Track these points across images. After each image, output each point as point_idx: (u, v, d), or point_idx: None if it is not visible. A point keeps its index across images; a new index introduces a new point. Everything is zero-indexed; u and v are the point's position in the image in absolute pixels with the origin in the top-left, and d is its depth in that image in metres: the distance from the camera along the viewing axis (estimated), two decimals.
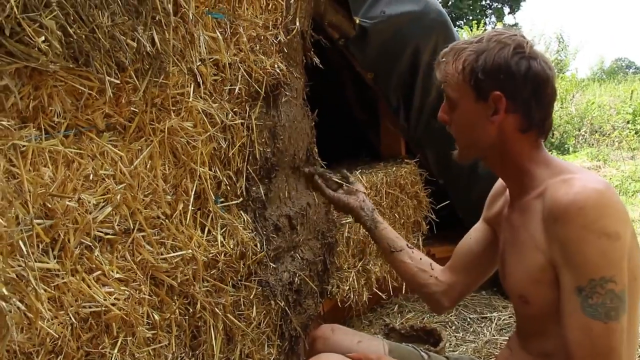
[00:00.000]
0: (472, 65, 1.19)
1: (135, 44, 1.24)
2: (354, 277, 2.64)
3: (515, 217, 1.27)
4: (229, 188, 1.72)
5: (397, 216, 2.89)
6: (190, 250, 1.47)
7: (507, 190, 1.35)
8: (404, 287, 2.93)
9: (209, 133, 1.54)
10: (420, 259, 1.55)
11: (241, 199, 1.78)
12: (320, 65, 2.39)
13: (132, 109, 1.31)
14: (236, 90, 1.67)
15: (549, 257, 1.14)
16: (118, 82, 1.22)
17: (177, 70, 1.44)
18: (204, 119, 1.50)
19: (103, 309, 1.21)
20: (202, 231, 1.62)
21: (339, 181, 1.86)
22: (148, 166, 1.39)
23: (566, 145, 9.23)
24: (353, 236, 2.59)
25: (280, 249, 1.99)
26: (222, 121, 1.59)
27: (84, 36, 1.12)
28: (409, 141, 3.13)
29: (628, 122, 9.53)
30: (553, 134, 9.33)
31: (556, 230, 1.10)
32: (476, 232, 1.51)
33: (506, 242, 1.31)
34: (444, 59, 1.26)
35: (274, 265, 1.95)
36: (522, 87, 1.17)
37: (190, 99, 1.47)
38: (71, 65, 1.13)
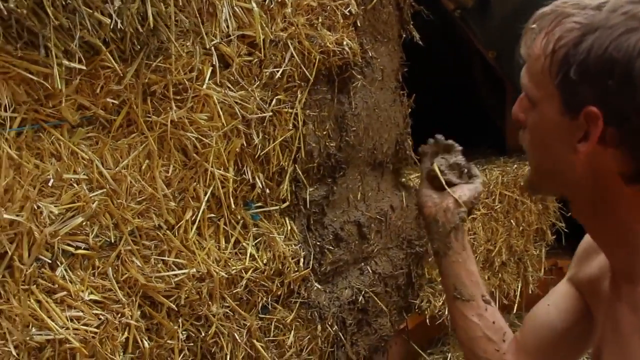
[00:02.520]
0: (567, 49, 0.71)
1: (108, 20, 0.99)
2: None
3: (622, 309, 0.81)
4: (268, 191, 1.44)
5: (514, 223, 2.40)
6: (193, 269, 1.22)
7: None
8: (516, 304, 2.47)
9: (230, 126, 1.26)
10: (494, 322, 1.09)
11: (286, 203, 1.49)
12: (420, 42, 1.99)
13: (112, 100, 1.08)
14: (277, 75, 1.37)
15: None
16: (82, 67, 0.99)
17: (187, 50, 1.17)
18: (219, 111, 1.22)
19: (57, 337, 1.01)
20: (227, 242, 1.37)
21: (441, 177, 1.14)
22: (144, 167, 1.16)
23: None
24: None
25: (340, 262, 1.68)
26: (253, 112, 1.30)
27: (24, 11, 0.89)
28: None
29: None
30: None
31: None
32: (559, 300, 1.04)
33: (605, 338, 0.85)
34: (534, 25, 0.78)
35: (330, 282, 1.65)
36: None
37: (205, 86, 1.20)
38: (9, 48, 0.91)
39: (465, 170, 1.16)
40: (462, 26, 2.32)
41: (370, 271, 1.81)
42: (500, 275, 2.41)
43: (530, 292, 2.56)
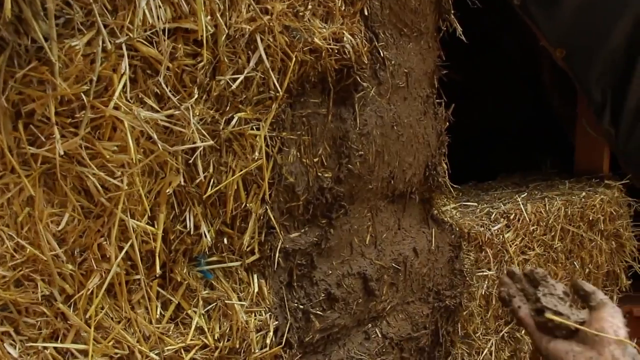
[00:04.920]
0: None
1: None
2: (495, 346, 1.82)
3: None
4: (225, 242, 1.07)
5: (578, 265, 1.92)
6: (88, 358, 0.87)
7: None
8: None
9: (150, 158, 0.90)
10: None
11: (255, 256, 1.12)
12: (462, 37, 1.56)
13: None
14: (235, 84, 0.99)
15: None
16: None
17: (85, 53, 0.82)
18: (130, 139, 0.86)
19: None
20: (165, 309, 1.01)
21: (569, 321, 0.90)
22: (20, 218, 0.82)
23: None
24: (497, 293, 1.75)
25: (335, 327, 1.29)
26: (190, 139, 0.93)
27: None
28: (616, 154, 2.10)
29: None
30: None
31: None
32: None
33: None
34: None
35: (320, 353, 1.27)
36: None
37: (112, 104, 0.84)
38: None
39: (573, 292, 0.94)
40: (523, 18, 1.85)
41: (380, 335, 1.41)
42: None
43: None
